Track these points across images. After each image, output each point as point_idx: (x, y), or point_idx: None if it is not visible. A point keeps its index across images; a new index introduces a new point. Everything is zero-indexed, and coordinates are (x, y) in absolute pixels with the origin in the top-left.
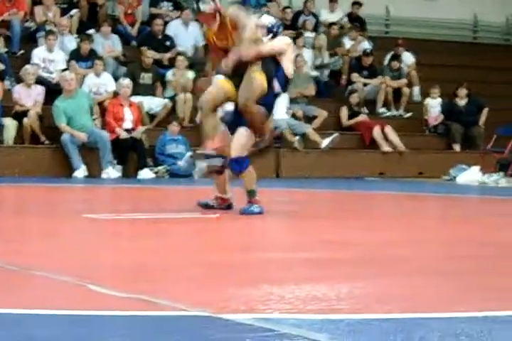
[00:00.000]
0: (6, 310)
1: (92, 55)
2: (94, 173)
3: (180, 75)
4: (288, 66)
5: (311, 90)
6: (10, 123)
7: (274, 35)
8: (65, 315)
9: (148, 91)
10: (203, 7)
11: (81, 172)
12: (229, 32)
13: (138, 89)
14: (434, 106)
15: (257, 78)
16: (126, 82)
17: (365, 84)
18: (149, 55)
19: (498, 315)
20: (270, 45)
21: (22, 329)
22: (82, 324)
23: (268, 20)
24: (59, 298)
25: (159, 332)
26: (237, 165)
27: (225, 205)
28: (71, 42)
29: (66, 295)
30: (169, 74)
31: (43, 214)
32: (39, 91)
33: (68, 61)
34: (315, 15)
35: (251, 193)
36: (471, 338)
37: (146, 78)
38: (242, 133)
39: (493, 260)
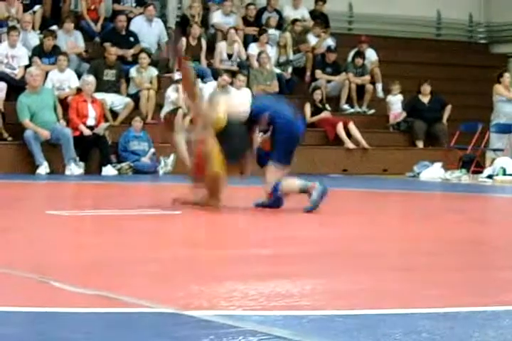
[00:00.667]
0: None
1: (55, 51)
2: (57, 170)
3: (144, 72)
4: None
5: (274, 87)
6: None
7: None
8: (27, 312)
9: (112, 88)
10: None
11: (44, 168)
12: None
13: (101, 86)
14: (394, 103)
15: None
16: (91, 78)
17: (328, 81)
18: (112, 51)
19: (459, 311)
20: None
21: None
22: (44, 321)
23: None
24: (21, 295)
25: (122, 329)
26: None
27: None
28: (34, 38)
29: (28, 292)
30: (133, 71)
31: (5, 211)
32: (1, 87)
33: (31, 57)
34: (278, 12)
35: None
36: (433, 334)
37: (109, 75)
38: (271, 170)
39: (453, 256)
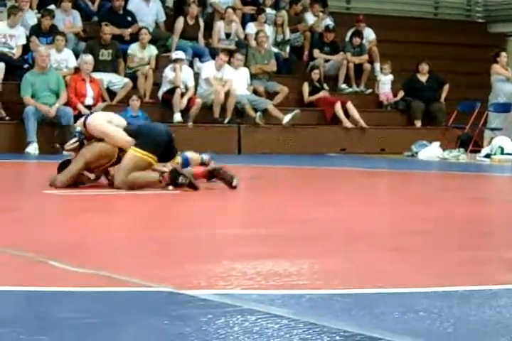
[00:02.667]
0: None
1: (53, 31)
2: (56, 149)
3: (144, 50)
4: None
5: (272, 66)
6: None
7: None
8: (26, 291)
9: (109, 67)
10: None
11: (33, 147)
12: None
13: (98, 66)
14: (385, 82)
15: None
16: (89, 58)
17: (326, 60)
18: (107, 31)
19: (457, 290)
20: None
21: None
22: (44, 300)
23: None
24: (20, 275)
25: (121, 308)
26: None
27: None
28: (32, 17)
29: (27, 272)
30: (131, 49)
31: (2, 190)
32: None
33: (29, 37)
34: None
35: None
36: (430, 313)
37: (105, 54)
38: None
39: (451, 235)
